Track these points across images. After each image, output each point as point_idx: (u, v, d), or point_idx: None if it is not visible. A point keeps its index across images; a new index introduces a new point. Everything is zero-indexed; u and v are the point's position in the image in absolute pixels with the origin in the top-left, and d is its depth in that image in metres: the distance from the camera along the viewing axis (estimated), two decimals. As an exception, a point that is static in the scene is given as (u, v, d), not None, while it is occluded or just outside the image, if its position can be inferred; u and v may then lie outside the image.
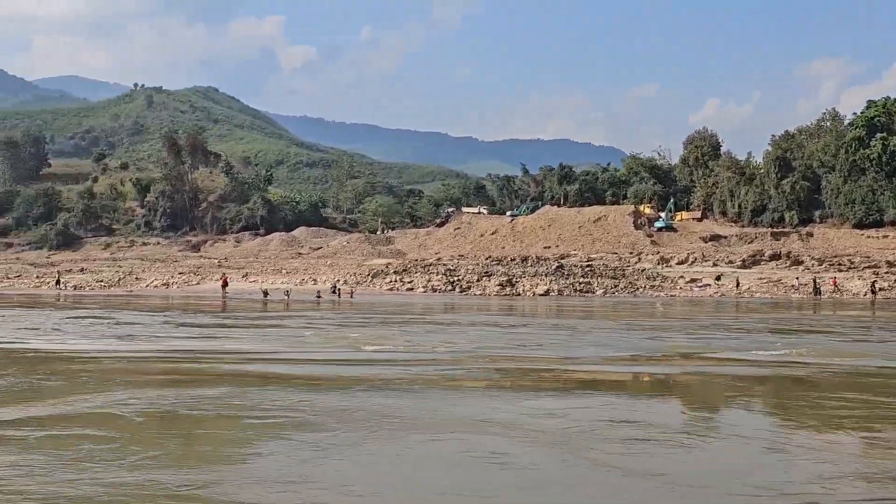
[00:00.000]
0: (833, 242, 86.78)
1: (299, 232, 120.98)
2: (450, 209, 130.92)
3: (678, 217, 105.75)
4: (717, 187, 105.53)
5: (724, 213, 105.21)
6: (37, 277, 71.75)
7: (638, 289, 52.14)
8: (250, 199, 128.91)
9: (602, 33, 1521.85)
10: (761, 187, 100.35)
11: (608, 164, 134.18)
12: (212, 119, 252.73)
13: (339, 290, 48.78)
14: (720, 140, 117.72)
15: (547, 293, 49.10)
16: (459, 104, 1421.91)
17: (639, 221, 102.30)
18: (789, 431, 11.46)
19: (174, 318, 30.50)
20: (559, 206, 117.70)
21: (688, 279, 58.26)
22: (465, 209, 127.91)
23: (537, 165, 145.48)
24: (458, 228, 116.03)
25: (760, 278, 64.77)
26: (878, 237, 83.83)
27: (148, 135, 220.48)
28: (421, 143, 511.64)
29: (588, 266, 56.12)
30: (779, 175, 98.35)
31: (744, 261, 75.31)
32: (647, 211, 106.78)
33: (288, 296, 45.58)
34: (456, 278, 51.34)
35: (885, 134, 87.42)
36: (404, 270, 53.78)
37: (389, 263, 61.10)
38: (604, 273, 53.86)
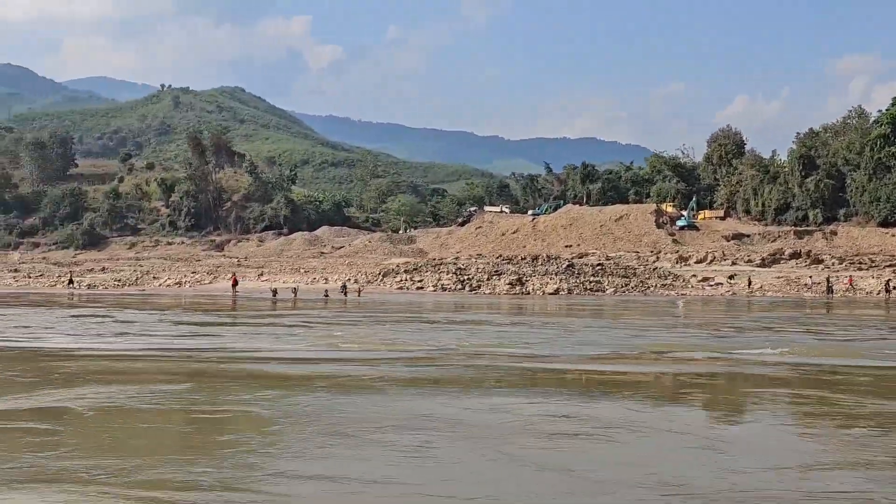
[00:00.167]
0: (857, 241, 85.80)
1: (322, 231, 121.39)
2: (472, 208, 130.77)
3: (701, 216, 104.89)
4: (741, 186, 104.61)
5: (747, 212, 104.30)
6: (58, 277, 72.63)
7: (649, 288, 51.84)
8: (274, 199, 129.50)
9: (629, 31, 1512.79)
10: (785, 185, 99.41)
11: (631, 163, 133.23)
12: (238, 119, 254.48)
13: (347, 289, 48.95)
14: (744, 138, 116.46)
15: (557, 292, 48.95)
16: (486, 103, 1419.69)
17: (661, 220, 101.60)
18: (725, 427, 11.48)
19: (173, 316, 30.79)
20: (581, 204, 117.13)
21: (700, 278, 57.79)
22: (487, 208, 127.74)
23: (564, 164, 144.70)
24: (480, 227, 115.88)
25: (778, 277, 64.17)
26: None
27: (175, 135, 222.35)
28: (447, 143, 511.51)
29: (599, 265, 55.84)
30: (803, 173, 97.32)
31: (763, 259, 74.68)
32: (670, 209, 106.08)
33: (295, 294, 45.80)
34: (466, 277, 51.31)
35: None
36: (415, 269, 53.82)
37: (399, 263, 61.17)
38: (615, 272, 53.56)
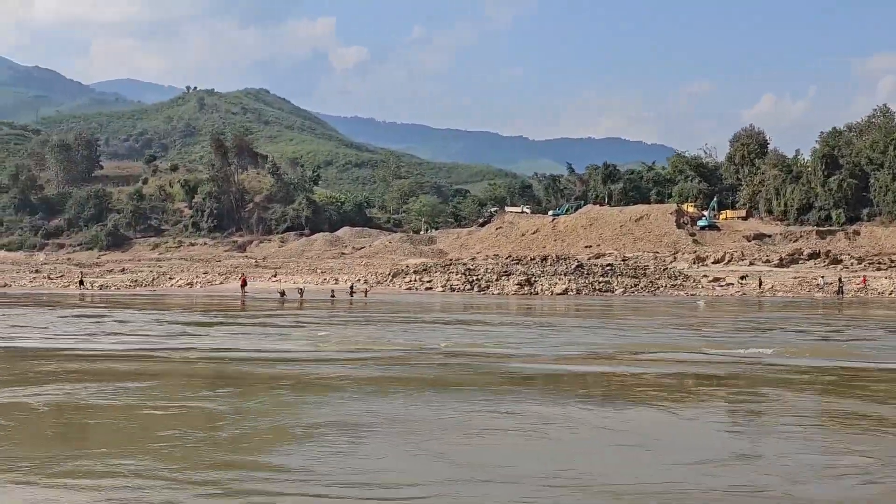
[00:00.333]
0: (881, 241, 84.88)
1: (343, 232, 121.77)
2: (493, 209, 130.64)
3: (723, 216, 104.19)
4: (763, 186, 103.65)
5: (769, 212, 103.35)
6: (77, 277, 73.38)
7: (658, 288, 51.54)
8: (295, 200, 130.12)
9: (655, 29, 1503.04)
10: (808, 185, 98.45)
11: (653, 163, 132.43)
12: (262, 121, 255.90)
13: (355, 289, 49.12)
14: (767, 138, 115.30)
15: (565, 292, 48.80)
16: (510, 103, 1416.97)
17: (681, 220, 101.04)
18: (664, 425, 11.47)
19: (170, 317, 31.05)
20: (602, 205, 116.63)
21: (711, 278, 57.41)
22: (508, 209, 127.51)
23: (589, 164, 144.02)
24: (500, 228, 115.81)
25: (794, 277, 63.65)
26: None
27: (200, 137, 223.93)
28: (471, 143, 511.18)
29: (608, 266, 55.59)
30: (825, 173, 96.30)
31: (781, 260, 74.03)
32: (691, 210, 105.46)
33: (301, 295, 45.98)
34: (474, 278, 51.29)
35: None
36: (424, 270, 53.89)
37: (409, 264, 61.24)
38: (624, 272, 53.31)
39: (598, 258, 78.12)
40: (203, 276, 63.27)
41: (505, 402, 12.79)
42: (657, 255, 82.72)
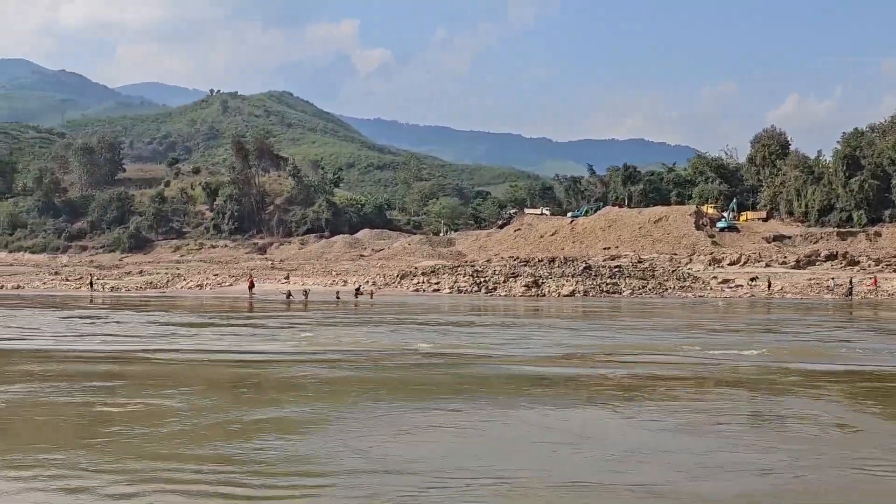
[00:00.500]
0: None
1: (363, 234, 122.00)
2: (512, 211, 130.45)
3: (743, 217, 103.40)
4: (784, 187, 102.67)
5: (790, 213, 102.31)
6: (97, 278, 73.98)
7: (666, 290, 51.23)
8: (316, 202, 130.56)
9: (679, 29, 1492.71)
10: (829, 186, 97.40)
11: (674, 164, 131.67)
12: (285, 123, 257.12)
13: (361, 291, 49.26)
14: (789, 138, 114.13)
15: (572, 294, 48.66)
16: (533, 105, 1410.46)
17: (700, 222, 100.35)
18: (601, 424, 11.61)
19: (168, 318, 31.34)
20: (622, 206, 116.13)
21: (720, 280, 56.99)
22: (527, 210, 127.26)
23: (610, 166, 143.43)
24: (519, 230, 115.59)
25: (810, 279, 63.02)
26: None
27: (223, 139, 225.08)
28: (494, 145, 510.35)
29: (617, 267, 55.35)
30: (847, 174, 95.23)
31: (798, 261, 73.33)
32: (710, 211, 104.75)
33: (306, 296, 46.19)
34: (482, 279, 51.24)
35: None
36: (432, 272, 53.92)
37: (417, 266, 61.27)
38: (632, 274, 53.04)
39: (613, 260, 77.79)
40: (213, 277, 63.62)
41: (456, 402, 13.01)
42: (674, 256, 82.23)
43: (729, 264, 73.78)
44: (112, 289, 57.17)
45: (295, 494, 8.07)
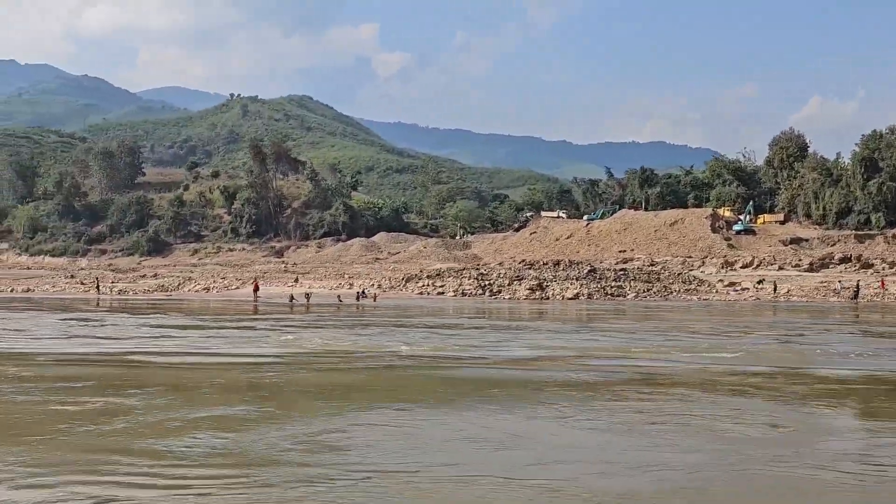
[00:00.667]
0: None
1: (379, 237, 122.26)
2: (529, 214, 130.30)
3: (760, 220, 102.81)
4: (802, 189, 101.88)
5: (808, 216, 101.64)
6: (112, 281, 74.59)
7: (671, 293, 50.95)
8: (333, 206, 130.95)
9: (701, 31, 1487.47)
10: (847, 189, 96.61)
11: (691, 167, 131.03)
12: (305, 127, 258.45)
13: (364, 294, 49.48)
14: (807, 141, 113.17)
15: (576, 297, 48.52)
16: (553, 107, 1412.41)
17: (716, 225, 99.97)
18: (535, 426, 11.74)
19: (162, 320, 31.60)
20: (638, 209, 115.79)
21: (726, 283, 56.65)
22: (543, 213, 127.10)
23: (630, 168, 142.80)
24: (534, 233, 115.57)
25: (823, 282, 62.44)
26: (968, 238, 79.87)
27: (243, 143, 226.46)
28: (514, 148, 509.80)
29: (622, 270, 55.12)
30: (865, 176, 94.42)
31: (811, 264, 72.86)
32: (727, 214, 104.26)
33: (308, 299, 46.39)
34: (487, 282, 51.20)
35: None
36: (437, 275, 53.99)
37: (423, 270, 61.29)
38: (637, 277, 52.79)
39: (625, 262, 77.54)
40: (221, 281, 64.01)
41: (405, 403, 13.34)
42: (688, 259, 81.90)
43: (742, 267, 73.40)
44: (120, 292, 57.60)
45: (205, 486, 8.32)
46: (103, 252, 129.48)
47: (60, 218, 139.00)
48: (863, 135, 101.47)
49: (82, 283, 75.24)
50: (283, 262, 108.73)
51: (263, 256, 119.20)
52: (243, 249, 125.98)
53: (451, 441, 10.56)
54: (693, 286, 52.67)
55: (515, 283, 50.12)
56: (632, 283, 50.89)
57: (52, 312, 35.82)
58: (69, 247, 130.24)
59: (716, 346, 21.80)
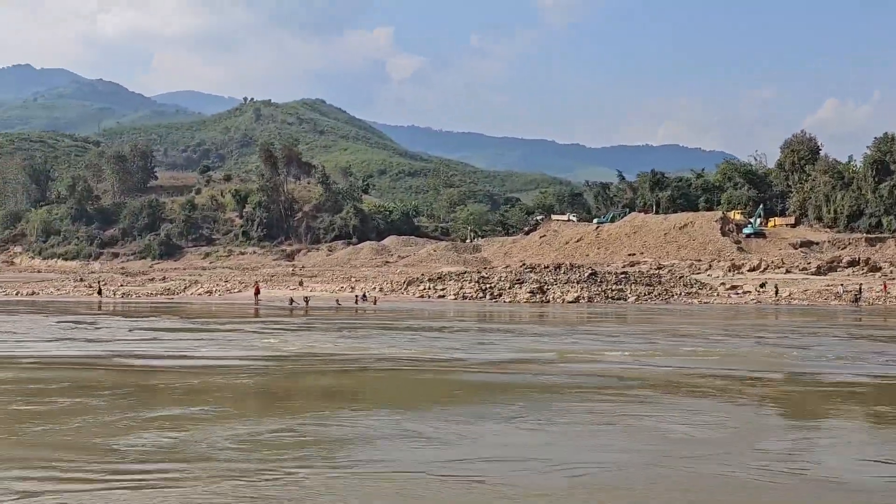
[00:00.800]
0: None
1: (389, 241, 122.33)
2: (539, 217, 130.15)
3: (771, 223, 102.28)
4: (813, 192, 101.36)
5: (819, 219, 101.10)
6: (121, 285, 74.90)
7: (672, 296, 50.76)
8: (343, 209, 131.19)
9: (717, 34, 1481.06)
10: (858, 192, 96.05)
11: (703, 170, 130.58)
12: (317, 130, 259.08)
13: (363, 297, 49.67)
14: (819, 144, 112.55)
15: (577, 300, 48.43)
16: (567, 111, 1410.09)
17: (726, 228, 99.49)
18: (477, 425, 11.85)
19: (154, 323, 31.82)
20: (648, 212, 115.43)
21: (728, 286, 56.39)
22: (554, 217, 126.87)
23: (642, 172, 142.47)
24: (544, 236, 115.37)
25: (829, 285, 62.01)
26: (980, 241, 79.29)
27: (256, 147, 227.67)
28: (528, 151, 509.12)
29: (623, 273, 54.98)
30: (876, 179, 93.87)
31: (819, 267, 72.43)
32: (738, 217, 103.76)
33: (307, 303, 46.57)
34: (488, 286, 51.16)
35: None
36: (438, 279, 54.00)
37: (424, 273, 61.40)
38: (638, 280, 52.62)
39: (632, 266, 77.29)
40: (224, 284, 64.23)
41: (356, 404, 13.53)
42: (695, 263, 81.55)
43: (749, 270, 73.02)
44: (123, 295, 57.92)
45: (138, 481, 8.61)
46: (115, 255, 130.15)
47: (73, 221, 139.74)
48: (875, 138, 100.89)
49: (90, 287, 75.64)
50: (292, 265, 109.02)
51: (274, 260, 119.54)
52: (254, 253, 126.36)
53: (389, 439, 10.75)
54: (695, 290, 52.48)
55: (516, 286, 50.10)
56: (633, 286, 50.76)
57: (51, 315, 36.07)
58: (82, 250, 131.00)
59: (695, 350, 21.79)
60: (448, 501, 8.12)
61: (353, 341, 24.36)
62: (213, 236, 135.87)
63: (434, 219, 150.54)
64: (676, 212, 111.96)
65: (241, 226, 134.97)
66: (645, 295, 49.58)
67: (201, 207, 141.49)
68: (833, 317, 39.62)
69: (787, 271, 71.84)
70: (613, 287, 50.16)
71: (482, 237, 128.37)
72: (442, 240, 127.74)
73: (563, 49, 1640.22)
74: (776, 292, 53.55)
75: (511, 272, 53.82)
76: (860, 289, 54.06)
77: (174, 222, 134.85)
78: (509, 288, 50.05)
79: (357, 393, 15.26)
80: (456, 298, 49.70)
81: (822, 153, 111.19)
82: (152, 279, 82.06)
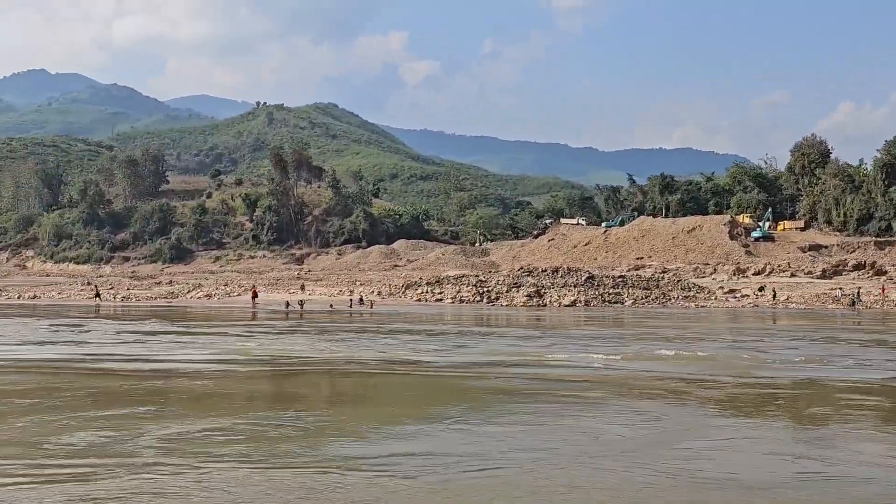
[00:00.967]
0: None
1: (398, 244, 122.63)
2: (548, 220, 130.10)
3: (781, 227, 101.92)
4: (823, 196, 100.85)
5: (828, 223, 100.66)
6: (128, 288, 75.44)
7: (669, 300, 50.71)
8: (353, 213, 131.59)
9: (730, 37, 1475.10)
10: (868, 195, 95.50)
11: (712, 173, 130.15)
12: (330, 135, 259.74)
13: (360, 301, 49.94)
14: (830, 147, 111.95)
15: (573, 304, 48.50)
16: (580, 114, 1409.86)
17: (734, 231, 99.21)
18: (417, 425, 12.09)
19: (142, 327, 32.04)
20: (657, 216, 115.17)
21: (726, 290, 56.29)
22: (563, 220, 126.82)
23: (653, 175, 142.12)
24: (553, 240, 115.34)
25: (832, 288, 61.73)
26: None
27: (268, 151, 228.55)
28: (540, 155, 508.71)
29: (620, 277, 54.96)
30: (886, 182, 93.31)
31: (824, 271, 72.13)
32: (747, 220, 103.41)
33: (301, 306, 46.88)
34: (485, 289, 51.27)
35: None
36: (436, 282, 54.19)
37: (422, 277, 61.45)
38: (636, 284, 52.59)
39: (637, 269, 77.24)
40: (223, 288, 64.64)
41: (304, 405, 13.72)
42: (701, 266, 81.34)
43: (753, 274, 72.83)
44: (123, 299, 58.32)
45: (58, 475, 8.81)
46: (126, 259, 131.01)
47: (85, 225, 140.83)
48: (886, 141, 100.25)
49: (95, 289, 76.24)
50: (299, 269, 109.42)
51: (284, 264, 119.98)
52: (264, 257, 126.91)
53: (317, 437, 10.94)
54: (692, 293, 52.43)
55: (513, 290, 50.19)
56: (630, 290, 50.77)
57: (45, 318, 36.43)
58: (93, 254, 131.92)
59: (668, 353, 21.80)
60: (343, 492, 8.29)
61: (331, 344, 24.49)
62: (224, 240, 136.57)
63: (444, 222, 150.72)
64: (686, 215, 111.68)
65: (252, 230, 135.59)
66: (642, 298, 49.57)
67: (212, 211, 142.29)
68: (825, 320, 39.49)
69: (793, 275, 71.53)
70: (610, 291, 50.18)
71: (491, 241, 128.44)
72: (451, 243, 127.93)
73: (576, 52, 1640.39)
74: (774, 296, 53.44)
75: (509, 276, 53.92)
76: (858, 292, 53.84)
77: (185, 226, 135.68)
78: (506, 291, 50.14)
79: (308, 395, 15.44)
80: (453, 302, 49.85)
81: (832, 156, 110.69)
82: (159, 283, 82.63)
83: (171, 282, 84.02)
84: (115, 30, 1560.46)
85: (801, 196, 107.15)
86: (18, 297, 58.31)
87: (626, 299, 49.24)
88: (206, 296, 58.07)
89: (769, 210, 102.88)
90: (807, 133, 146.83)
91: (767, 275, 72.51)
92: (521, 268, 59.26)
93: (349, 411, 13.16)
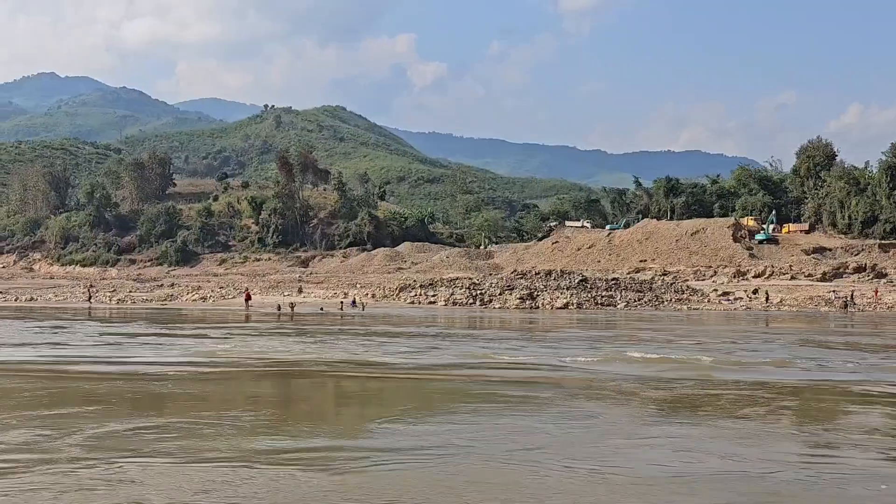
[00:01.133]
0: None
1: (403, 247, 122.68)
2: (553, 223, 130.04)
3: (786, 229, 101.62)
4: (828, 198, 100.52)
5: (833, 225, 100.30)
6: (130, 291, 75.90)
7: (662, 303, 50.70)
8: (358, 216, 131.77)
9: (739, 38, 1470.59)
10: (873, 198, 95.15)
11: (717, 176, 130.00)
12: (337, 137, 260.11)
13: (353, 304, 50.20)
14: (835, 149, 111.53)
15: (566, 307, 48.54)
16: (588, 117, 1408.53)
17: (739, 234, 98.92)
18: (369, 425, 12.47)
19: (123, 329, 32.35)
20: (661, 219, 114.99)
21: (720, 293, 56.25)
22: (568, 223, 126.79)
23: (658, 178, 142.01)
24: (556, 242, 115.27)
25: (831, 290, 61.66)
26: None
27: (275, 154, 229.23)
28: (549, 157, 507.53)
29: (613, 280, 54.96)
30: (891, 185, 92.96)
31: (825, 274, 71.93)
32: (751, 223, 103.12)
33: (292, 308, 47.14)
34: (478, 292, 51.38)
35: None
36: (430, 285, 54.37)
37: (416, 279, 61.56)
38: (629, 286, 52.60)
39: (638, 272, 77.27)
40: (219, 290, 65.00)
41: (252, 405, 14.04)
42: (702, 268, 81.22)
43: (754, 276, 72.68)
44: (119, 301, 58.67)
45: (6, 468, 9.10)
46: (133, 262, 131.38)
47: (91, 228, 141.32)
48: (892, 143, 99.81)
49: (101, 293, 76.72)
50: (304, 271, 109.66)
51: (289, 266, 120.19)
52: (269, 259, 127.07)
53: (240, 435, 11.09)
54: (685, 296, 52.40)
55: (506, 292, 50.28)
56: (623, 293, 50.80)
57: (33, 321, 36.75)
58: (99, 257, 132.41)
59: (636, 356, 21.90)
60: (248, 485, 8.45)
61: (307, 346, 24.70)
62: (230, 243, 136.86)
63: (450, 225, 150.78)
64: (691, 218, 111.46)
65: (257, 232, 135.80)
66: (635, 301, 49.61)
67: (218, 214, 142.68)
68: (813, 322, 39.41)
69: (793, 277, 71.41)
70: (603, 293, 50.24)
71: (496, 243, 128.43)
72: (456, 246, 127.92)
73: (584, 55, 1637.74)
74: (766, 298, 53.36)
75: (502, 279, 54.03)
76: (851, 295, 53.74)
77: (191, 229, 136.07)
78: (500, 294, 50.24)
79: (259, 396, 15.63)
80: (446, 305, 50.00)
81: (837, 159, 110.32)
82: (161, 285, 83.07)
83: (172, 284, 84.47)
84: (125, 33, 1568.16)
85: (807, 199, 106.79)
86: (15, 300, 58.72)
87: (619, 302, 49.28)
88: (202, 299, 58.40)
89: (773, 213, 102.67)
90: (815, 135, 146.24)
91: (768, 277, 72.39)
92: (515, 271, 59.31)
93: (293, 411, 13.38)
